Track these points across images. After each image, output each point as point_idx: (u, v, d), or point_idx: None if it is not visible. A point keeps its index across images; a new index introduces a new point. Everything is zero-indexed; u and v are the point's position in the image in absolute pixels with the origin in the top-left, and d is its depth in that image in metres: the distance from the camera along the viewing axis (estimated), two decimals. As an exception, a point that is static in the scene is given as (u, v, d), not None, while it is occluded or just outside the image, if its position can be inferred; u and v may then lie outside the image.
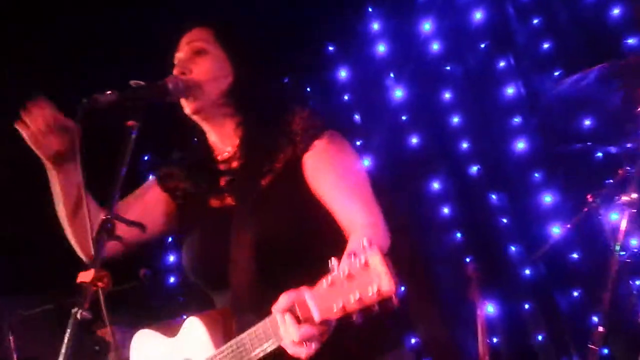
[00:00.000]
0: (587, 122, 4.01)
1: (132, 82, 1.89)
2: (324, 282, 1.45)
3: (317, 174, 1.87)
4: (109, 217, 1.72)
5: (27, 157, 1.92)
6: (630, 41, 3.88)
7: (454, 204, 4.53)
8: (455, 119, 4.55)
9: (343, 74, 4.87)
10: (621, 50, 3.91)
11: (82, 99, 1.78)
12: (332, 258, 1.44)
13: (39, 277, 4.09)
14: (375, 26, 4.84)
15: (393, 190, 4.39)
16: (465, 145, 4.51)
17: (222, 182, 2.03)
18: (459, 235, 4.53)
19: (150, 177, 2.18)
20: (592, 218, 3.44)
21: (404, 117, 4.68)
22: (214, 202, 2.02)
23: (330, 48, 4.92)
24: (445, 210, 4.55)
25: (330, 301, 1.44)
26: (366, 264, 1.38)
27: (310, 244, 1.82)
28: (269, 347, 1.62)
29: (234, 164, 2.02)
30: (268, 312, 1.60)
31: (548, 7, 4.22)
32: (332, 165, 1.87)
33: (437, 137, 4.60)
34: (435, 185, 4.57)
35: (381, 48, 4.80)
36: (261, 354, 1.65)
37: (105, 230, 1.72)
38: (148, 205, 2.09)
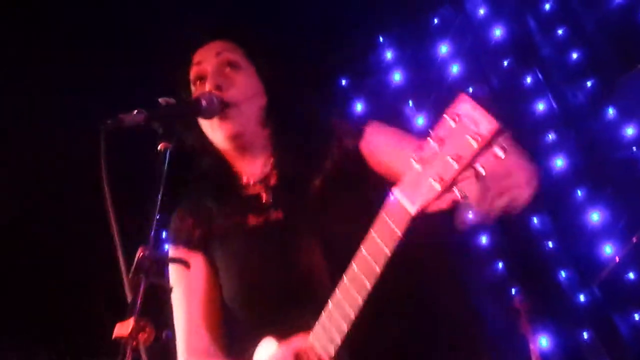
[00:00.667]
0: (630, 131, 3.75)
1: (161, 100, 1.64)
2: (413, 164, 1.26)
3: (384, 148, 1.76)
4: (145, 253, 1.44)
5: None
6: (665, 41, 3.67)
7: (492, 231, 4.23)
8: (485, 142, 4.29)
9: (359, 107, 4.66)
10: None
11: (106, 120, 1.52)
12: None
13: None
14: (389, 55, 4.65)
15: (423, 221, 4.10)
16: (498, 168, 4.23)
17: (264, 199, 1.80)
18: (500, 265, 4.22)
19: (174, 251, 1.92)
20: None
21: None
22: (254, 220, 1.79)
23: (344, 82, 4.73)
24: (484, 240, 4.25)
25: (425, 183, 1.23)
26: (456, 117, 1.19)
27: None
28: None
29: (273, 180, 1.81)
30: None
31: (572, 16, 4.02)
32: (394, 133, 1.81)
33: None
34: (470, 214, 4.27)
35: (397, 77, 4.61)
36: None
37: (143, 271, 1.44)
38: (208, 285, 1.87)
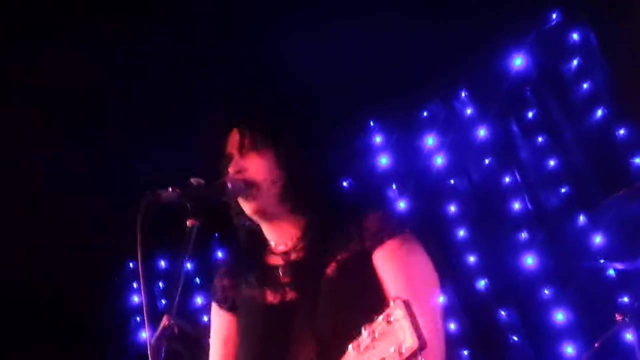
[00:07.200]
0: (599, 239, 3.99)
1: (193, 180, 1.83)
2: (351, 350, 1.33)
3: (385, 275, 1.85)
4: (170, 323, 1.59)
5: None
6: (637, 160, 3.95)
7: (460, 319, 4.39)
8: (461, 232, 4.51)
9: (344, 184, 4.84)
10: (628, 169, 3.97)
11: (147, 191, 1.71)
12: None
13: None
14: (378, 139, 4.88)
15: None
16: (472, 258, 4.44)
17: (281, 275, 1.94)
18: (465, 352, 4.36)
19: (213, 306, 2.09)
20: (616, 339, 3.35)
21: (407, 231, 4.61)
22: (271, 297, 1.93)
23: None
24: (452, 327, 4.39)
25: None
26: (389, 320, 1.26)
27: None
28: None
29: (293, 256, 1.94)
30: None
31: (553, 126, 4.30)
32: (400, 269, 1.87)
33: (442, 251, 4.52)
34: (440, 300, 4.43)
35: (383, 160, 4.82)
36: None
37: (165, 337, 1.58)
38: (236, 342, 2.00)
